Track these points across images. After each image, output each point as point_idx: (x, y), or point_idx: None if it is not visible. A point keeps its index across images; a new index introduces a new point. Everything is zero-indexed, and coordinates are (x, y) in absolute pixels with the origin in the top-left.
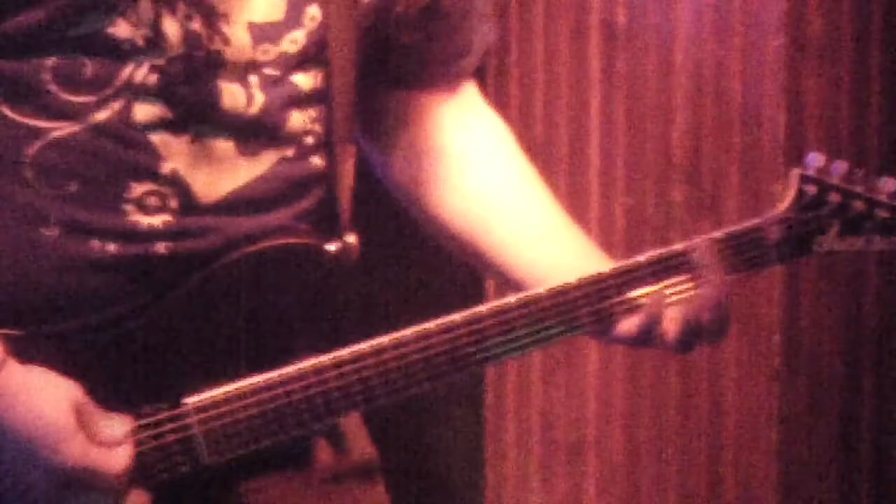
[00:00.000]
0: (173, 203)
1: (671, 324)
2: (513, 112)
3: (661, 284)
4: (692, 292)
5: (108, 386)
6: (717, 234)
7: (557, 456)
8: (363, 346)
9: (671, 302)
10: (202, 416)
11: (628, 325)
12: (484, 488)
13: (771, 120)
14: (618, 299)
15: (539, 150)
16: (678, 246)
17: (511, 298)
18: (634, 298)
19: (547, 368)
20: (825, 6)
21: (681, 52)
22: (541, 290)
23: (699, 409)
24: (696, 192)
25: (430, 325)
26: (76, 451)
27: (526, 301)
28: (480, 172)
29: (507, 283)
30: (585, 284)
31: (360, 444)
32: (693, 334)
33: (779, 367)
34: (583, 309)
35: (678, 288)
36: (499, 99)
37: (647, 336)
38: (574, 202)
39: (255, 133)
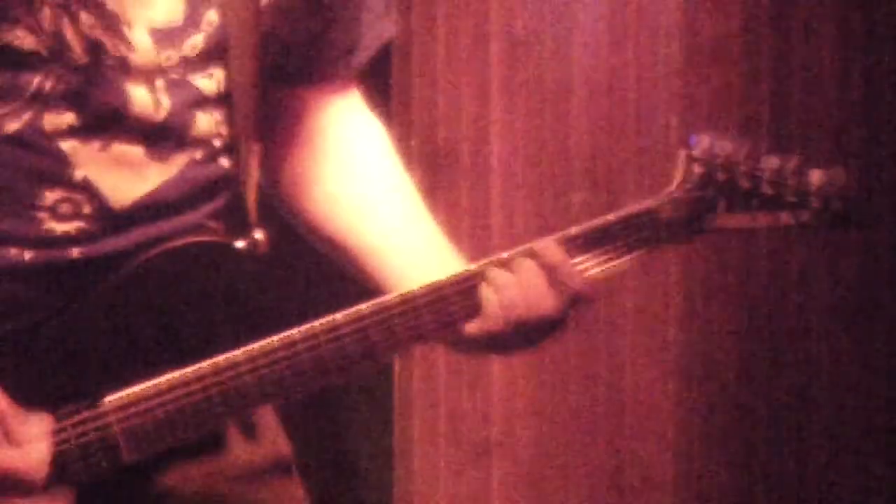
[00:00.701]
0: (87, 209)
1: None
2: (416, 117)
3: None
4: (542, 290)
5: (29, 389)
6: (610, 216)
7: (464, 453)
8: (274, 339)
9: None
10: (121, 414)
11: (470, 328)
12: (392, 485)
13: (665, 124)
14: (460, 305)
15: (442, 154)
16: (524, 246)
17: (363, 305)
18: (476, 301)
19: (452, 367)
20: (716, 13)
21: (578, 59)
22: (393, 295)
23: (600, 406)
24: (594, 196)
25: (338, 316)
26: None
27: (379, 306)
28: (356, 179)
29: (368, 285)
30: (429, 291)
31: (276, 439)
32: (525, 330)
33: (675, 363)
34: (426, 315)
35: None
36: (402, 104)
37: (488, 338)
38: (476, 206)
39: (163, 137)
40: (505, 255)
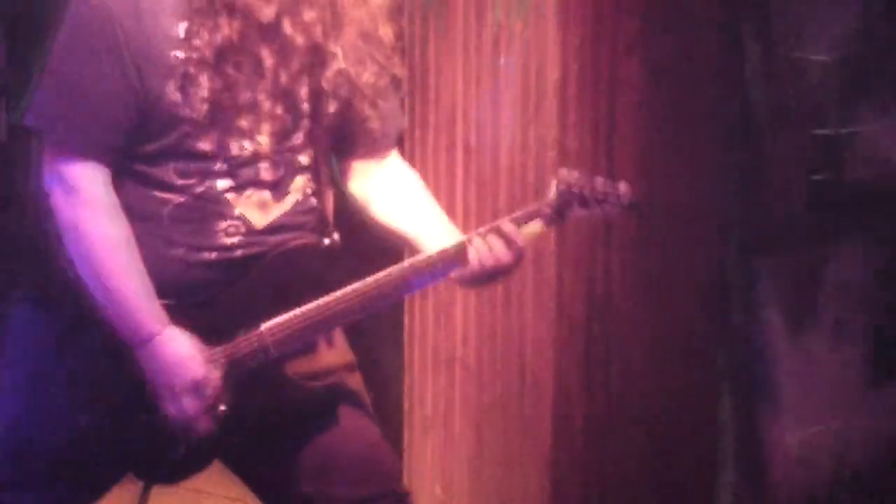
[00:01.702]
0: (242, 230)
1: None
2: None
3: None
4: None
5: (219, 331)
6: (529, 207)
7: (438, 363)
8: (352, 286)
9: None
10: (271, 329)
11: (462, 272)
12: (402, 374)
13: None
14: (457, 259)
15: None
16: (492, 224)
17: (405, 262)
18: (465, 257)
19: (433, 308)
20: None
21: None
22: (424, 254)
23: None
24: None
25: (380, 275)
26: (199, 370)
27: (416, 263)
28: (403, 197)
29: (412, 250)
30: (440, 252)
31: (345, 349)
32: (486, 276)
33: (553, 342)
34: (439, 265)
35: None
36: None
37: (473, 276)
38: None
39: (279, 189)
40: (481, 230)
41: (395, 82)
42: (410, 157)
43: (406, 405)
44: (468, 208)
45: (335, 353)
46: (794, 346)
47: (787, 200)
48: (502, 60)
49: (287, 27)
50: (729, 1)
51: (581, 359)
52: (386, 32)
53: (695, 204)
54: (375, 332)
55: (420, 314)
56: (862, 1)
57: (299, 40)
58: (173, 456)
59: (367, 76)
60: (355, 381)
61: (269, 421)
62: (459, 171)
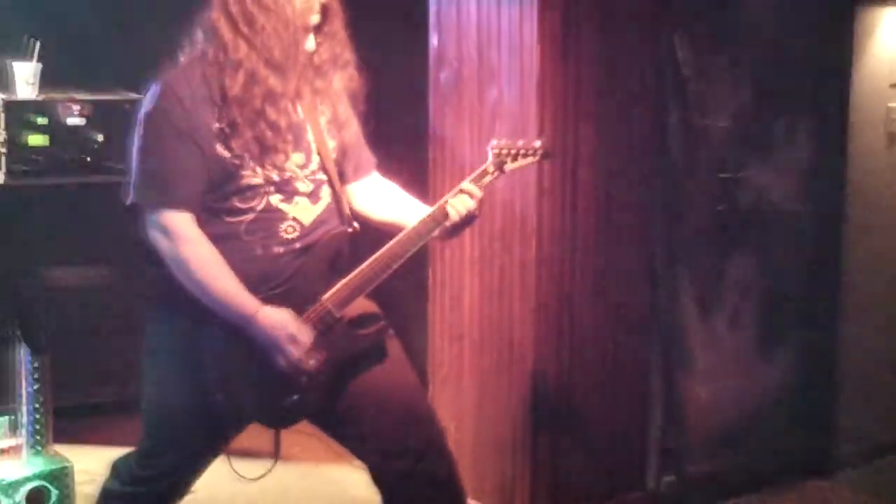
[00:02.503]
0: (297, 228)
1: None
2: None
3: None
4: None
5: (294, 304)
6: (480, 169)
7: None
8: (376, 254)
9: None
10: (329, 297)
11: (456, 216)
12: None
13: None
14: (442, 215)
15: None
16: (459, 185)
17: (409, 227)
18: (446, 212)
19: (447, 282)
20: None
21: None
22: (420, 218)
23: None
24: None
25: (394, 240)
26: (294, 329)
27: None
28: (390, 200)
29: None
30: (428, 215)
31: (372, 306)
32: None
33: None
34: (430, 223)
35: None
36: None
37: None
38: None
39: (313, 197)
40: (450, 193)
41: (361, 122)
42: (433, 193)
43: (429, 367)
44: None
45: (372, 308)
46: (704, 326)
47: (698, 222)
48: (497, 124)
49: (270, 113)
50: (658, 83)
51: (553, 335)
52: (343, 104)
53: (633, 224)
54: (407, 314)
55: (439, 301)
56: (749, 87)
57: (288, 90)
58: (288, 403)
59: (343, 122)
60: (391, 336)
61: (341, 365)
62: None
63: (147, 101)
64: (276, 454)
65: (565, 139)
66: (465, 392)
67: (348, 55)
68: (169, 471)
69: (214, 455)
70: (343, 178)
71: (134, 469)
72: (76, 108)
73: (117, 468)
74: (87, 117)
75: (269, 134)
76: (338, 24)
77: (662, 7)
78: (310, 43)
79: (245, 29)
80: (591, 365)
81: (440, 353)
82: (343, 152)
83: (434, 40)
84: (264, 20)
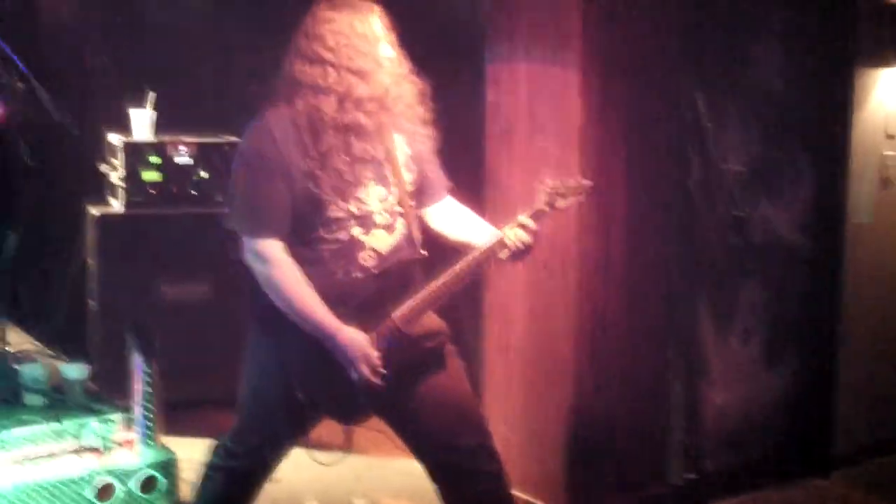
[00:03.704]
0: (374, 256)
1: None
2: None
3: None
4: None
5: (368, 321)
6: (537, 204)
7: (501, 343)
8: (441, 276)
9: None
10: (398, 315)
11: (504, 252)
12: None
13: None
14: (500, 245)
15: None
16: (517, 219)
17: (471, 253)
18: (504, 242)
19: (495, 303)
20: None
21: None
22: (481, 246)
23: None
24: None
25: (458, 264)
26: (369, 349)
27: (476, 251)
28: (461, 222)
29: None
30: (489, 242)
31: (441, 323)
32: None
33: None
34: (492, 249)
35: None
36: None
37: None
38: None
39: (390, 228)
40: (509, 225)
41: (437, 150)
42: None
43: (483, 376)
44: None
45: (436, 323)
46: (719, 342)
47: (715, 253)
48: (545, 170)
49: (362, 119)
50: (681, 132)
51: (589, 349)
52: (425, 130)
53: (659, 255)
54: (464, 328)
55: (491, 317)
56: (760, 136)
57: (371, 127)
58: (357, 404)
59: (419, 145)
60: (451, 349)
61: (406, 374)
62: None
63: (245, 137)
64: (348, 446)
65: (602, 181)
66: (514, 398)
67: (409, 65)
68: (255, 449)
69: (293, 441)
70: (420, 202)
71: (228, 445)
72: (184, 148)
73: (217, 445)
74: (194, 157)
75: (351, 169)
76: (395, 40)
77: (686, 66)
78: (384, 50)
79: (324, 53)
80: (621, 375)
81: (493, 365)
82: (420, 181)
83: (490, 95)
84: (346, 41)
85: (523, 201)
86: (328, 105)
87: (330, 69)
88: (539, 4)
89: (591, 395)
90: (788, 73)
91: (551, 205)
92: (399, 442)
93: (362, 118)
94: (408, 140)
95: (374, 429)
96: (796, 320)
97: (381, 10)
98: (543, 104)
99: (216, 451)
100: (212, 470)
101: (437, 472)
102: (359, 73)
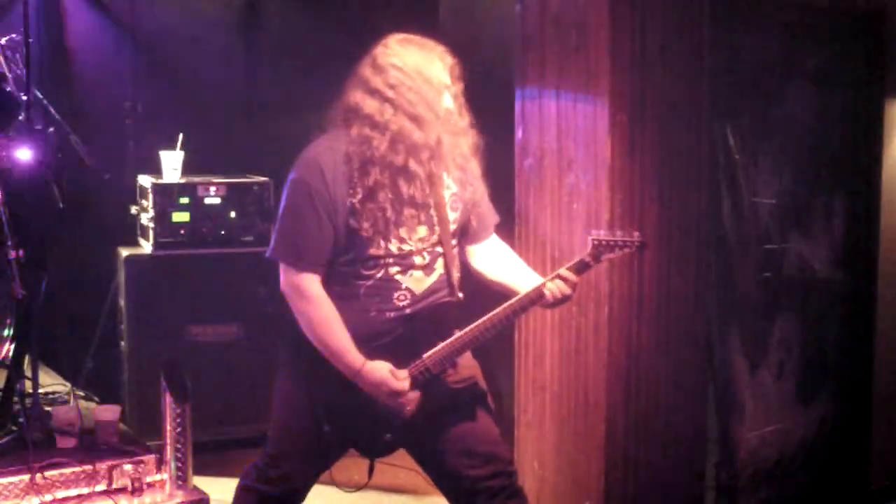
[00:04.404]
0: (409, 296)
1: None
2: None
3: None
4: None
5: (398, 359)
6: (584, 257)
7: (535, 383)
8: (478, 322)
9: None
10: (430, 356)
11: (543, 302)
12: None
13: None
14: (538, 295)
15: None
16: (557, 272)
17: (510, 301)
18: (547, 290)
19: (529, 342)
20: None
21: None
22: (519, 295)
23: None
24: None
25: (495, 311)
26: (393, 385)
27: (515, 301)
28: (502, 264)
29: (511, 294)
30: (530, 293)
31: (474, 365)
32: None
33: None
34: (528, 300)
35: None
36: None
37: (551, 303)
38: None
39: (428, 269)
40: (550, 276)
41: (484, 191)
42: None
43: (516, 413)
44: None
45: (469, 367)
46: (752, 378)
47: (747, 288)
48: (574, 206)
49: (413, 166)
50: (712, 168)
51: (622, 387)
52: (475, 168)
53: (691, 290)
54: (497, 367)
55: (524, 357)
56: (791, 170)
57: (421, 174)
58: (384, 439)
59: (468, 193)
60: (482, 388)
61: (433, 414)
62: (548, 268)
63: (295, 167)
64: (369, 476)
65: (632, 218)
66: (547, 435)
67: (469, 118)
68: (284, 477)
69: (320, 470)
70: (465, 239)
71: (261, 468)
72: (213, 189)
73: (251, 469)
74: (222, 197)
75: (395, 209)
76: (459, 88)
77: (716, 103)
78: (446, 100)
79: (390, 94)
80: (655, 413)
81: (525, 402)
82: (465, 219)
83: (519, 132)
84: (410, 83)
85: (552, 239)
86: (380, 142)
87: (388, 107)
88: (568, 43)
89: (624, 432)
90: (819, 107)
91: (597, 258)
92: (422, 476)
93: (412, 164)
94: (456, 179)
95: (397, 463)
96: (831, 354)
97: (452, 57)
98: (573, 141)
99: (248, 472)
100: (244, 492)
101: None
102: (415, 119)
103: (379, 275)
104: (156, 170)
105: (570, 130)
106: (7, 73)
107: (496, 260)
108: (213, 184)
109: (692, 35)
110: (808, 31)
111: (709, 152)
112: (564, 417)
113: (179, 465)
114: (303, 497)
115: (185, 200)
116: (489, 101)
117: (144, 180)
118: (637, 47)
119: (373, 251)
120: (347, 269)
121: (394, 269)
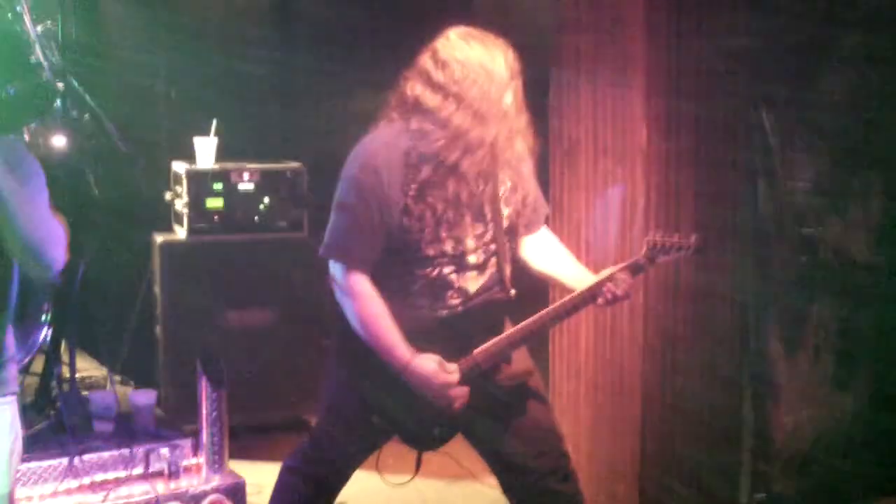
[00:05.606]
0: (461, 295)
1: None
2: None
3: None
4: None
5: (449, 355)
6: (637, 258)
7: (567, 370)
8: (534, 316)
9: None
10: (480, 351)
11: (602, 299)
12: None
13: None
14: (593, 294)
15: None
16: (610, 271)
17: (565, 298)
18: (600, 290)
19: (561, 346)
20: None
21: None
22: (574, 293)
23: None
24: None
25: (550, 308)
26: (442, 377)
27: (569, 298)
28: (551, 255)
29: (561, 287)
30: (585, 290)
31: (528, 359)
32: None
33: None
34: (585, 297)
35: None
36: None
37: (609, 301)
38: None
39: (482, 268)
40: (605, 276)
41: (536, 185)
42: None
43: (551, 399)
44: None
45: (522, 363)
46: (789, 363)
47: (784, 272)
48: (609, 191)
49: (466, 164)
50: (748, 151)
51: (657, 372)
52: (528, 161)
53: (727, 275)
54: (532, 354)
55: (559, 344)
56: (828, 152)
57: (474, 172)
58: (433, 432)
59: (519, 193)
60: (536, 382)
61: (485, 409)
62: (583, 258)
63: (350, 163)
64: (416, 469)
65: (668, 204)
66: (582, 421)
67: (527, 116)
68: (329, 460)
69: (365, 455)
70: (516, 232)
71: (307, 450)
72: (247, 175)
73: (297, 450)
74: (256, 183)
75: (449, 208)
76: (519, 84)
77: (751, 84)
78: (508, 97)
79: (449, 85)
80: (690, 398)
81: (560, 388)
82: (518, 213)
83: (553, 117)
84: (467, 71)
85: (587, 224)
86: (439, 137)
87: (451, 102)
88: (603, 27)
89: (660, 419)
90: (856, 88)
91: (652, 259)
92: (466, 465)
93: (466, 162)
94: (509, 177)
95: (442, 451)
96: (868, 338)
97: (512, 51)
98: (607, 126)
99: (295, 454)
100: (289, 473)
101: (513, 491)
102: (478, 117)
103: (433, 273)
104: (190, 156)
105: (606, 115)
106: (43, 62)
107: (545, 252)
108: (247, 170)
109: (729, 15)
110: (845, 10)
111: (745, 134)
112: (599, 403)
113: (215, 449)
114: (345, 481)
115: (218, 187)
116: (523, 86)
117: (178, 167)
118: (673, 28)
119: (426, 251)
120: (401, 269)
121: (448, 269)
